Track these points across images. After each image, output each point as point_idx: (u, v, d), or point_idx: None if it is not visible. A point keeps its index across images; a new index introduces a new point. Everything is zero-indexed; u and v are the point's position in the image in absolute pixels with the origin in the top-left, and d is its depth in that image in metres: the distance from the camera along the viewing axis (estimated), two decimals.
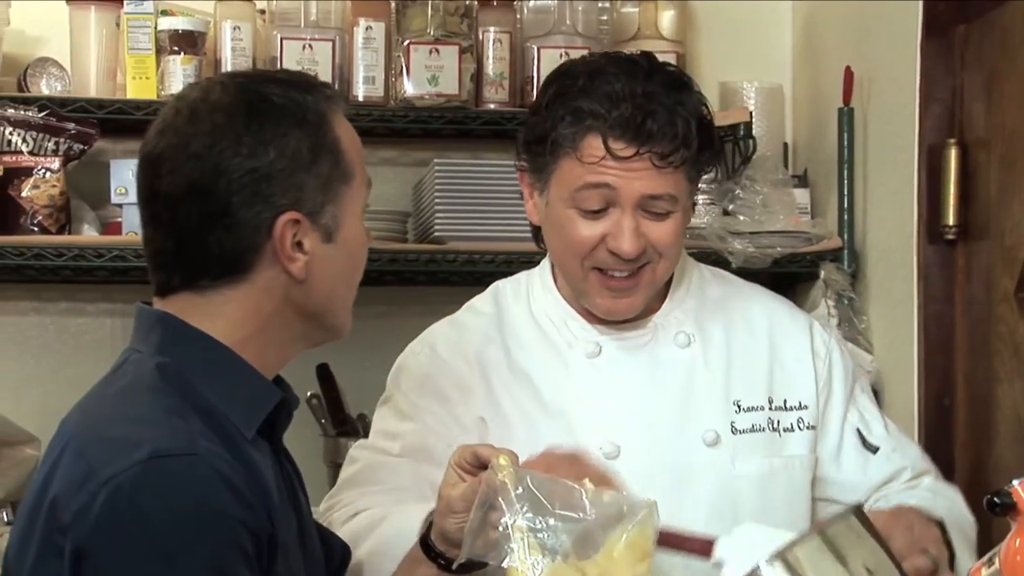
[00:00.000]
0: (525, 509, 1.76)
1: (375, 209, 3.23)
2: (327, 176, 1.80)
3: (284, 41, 3.40)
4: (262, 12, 3.48)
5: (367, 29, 3.43)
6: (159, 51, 3.36)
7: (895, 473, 2.33)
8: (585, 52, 3.38)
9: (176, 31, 3.35)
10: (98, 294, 3.58)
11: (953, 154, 3.09)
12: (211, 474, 1.68)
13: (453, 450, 2.10)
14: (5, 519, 3.41)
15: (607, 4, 3.58)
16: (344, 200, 1.82)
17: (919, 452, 2.41)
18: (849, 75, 3.40)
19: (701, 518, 2.10)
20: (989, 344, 3.02)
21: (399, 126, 3.43)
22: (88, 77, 3.38)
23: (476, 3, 3.48)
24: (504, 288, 2.37)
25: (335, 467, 3.43)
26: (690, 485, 2.20)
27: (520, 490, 1.77)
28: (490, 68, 3.49)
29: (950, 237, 3.10)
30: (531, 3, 3.55)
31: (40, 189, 3.26)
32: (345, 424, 3.42)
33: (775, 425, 2.28)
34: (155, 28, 3.35)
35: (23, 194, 3.25)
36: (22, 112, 3.27)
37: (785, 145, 3.70)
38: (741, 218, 3.43)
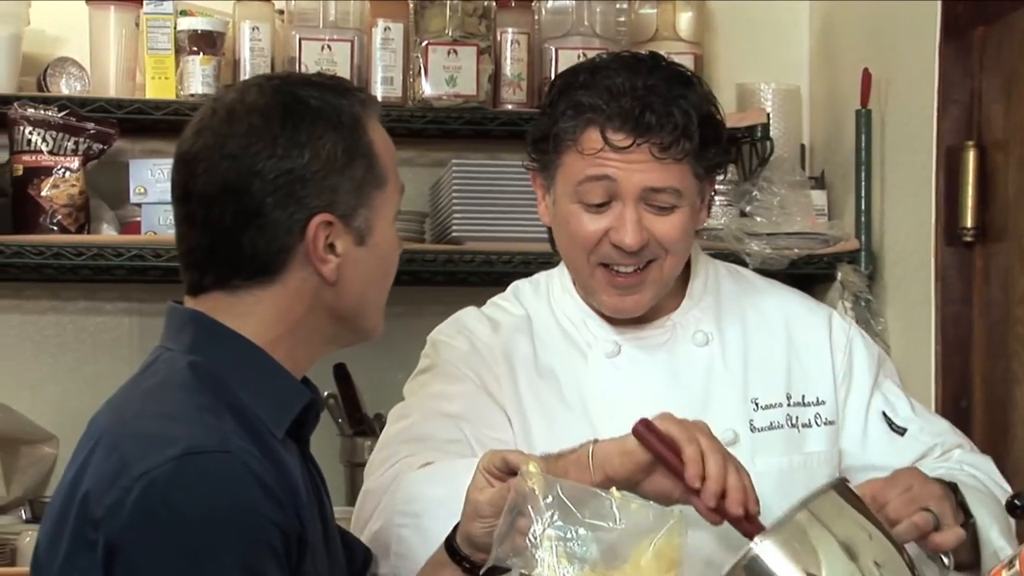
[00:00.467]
0: (554, 517, 1.75)
1: None
2: (361, 180, 1.81)
3: (303, 41, 3.40)
4: (281, 12, 3.48)
5: (385, 30, 3.42)
6: (178, 51, 3.36)
7: (925, 452, 2.31)
8: (603, 53, 3.41)
9: (195, 31, 3.35)
10: (116, 293, 3.59)
11: (971, 156, 3.08)
12: (244, 472, 1.68)
13: (502, 416, 2.18)
14: (23, 517, 3.42)
15: (625, 5, 3.58)
16: (377, 204, 1.83)
17: (948, 427, 2.39)
18: (867, 77, 3.39)
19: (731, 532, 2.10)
20: (1007, 346, 3.01)
21: (417, 127, 3.43)
22: (107, 77, 3.38)
23: (494, 4, 3.48)
24: (524, 288, 2.37)
25: (352, 467, 3.42)
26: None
27: (549, 498, 1.76)
28: (508, 69, 3.49)
29: (968, 239, 3.10)
30: (549, 4, 3.55)
31: (60, 188, 3.26)
32: (362, 424, 3.41)
33: (794, 421, 2.27)
34: (174, 28, 3.36)
35: (43, 193, 3.26)
36: (42, 112, 3.27)
37: (802, 147, 3.69)
38: (758, 219, 3.42)
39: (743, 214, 3.44)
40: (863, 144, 3.42)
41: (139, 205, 3.34)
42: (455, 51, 3.41)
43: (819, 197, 3.56)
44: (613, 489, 1.81)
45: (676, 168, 2.14)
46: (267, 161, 1.76)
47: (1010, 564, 1.78)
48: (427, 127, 3.44)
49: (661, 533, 1.77)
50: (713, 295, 2.32)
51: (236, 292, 1.79)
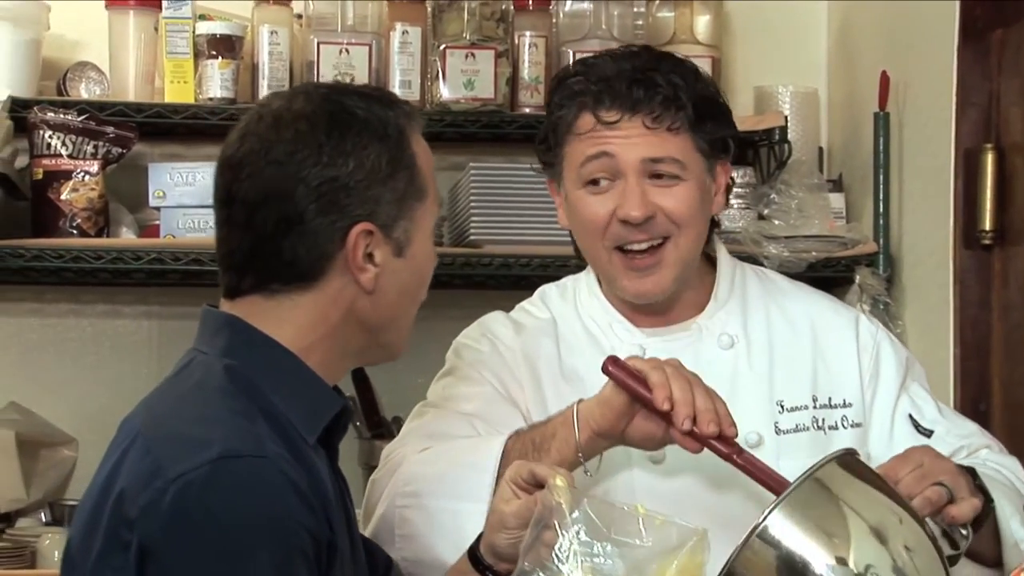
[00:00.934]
0: (580, 532, 1.76)
1: None
2: (403, 191, 1.82)
3: (321, 45, 3.40)
4: (299, 16, 3.48)
5: (403, 33, 3.43)
6: (197, 55, 3.37)
7: (952, 453, 2.28)
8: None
9: (214, 35, 3.36)
10: (135, 296, 3.60)
11: (990, 159, 3.07)
12: (279, 477, 1.69)
13: (520, 419, 2.19)
14: (43, 519, 3.42)
15: (642, 8, 3.58)
16: (416, 216, 1.84)
17: (976, 429, 2.37)
18: (885, 79, 3.38)
19: (748, 520, 2.09)
20: None
21: (435, 130, 3.43)
22: (127, 81, 3.39)
23: (512, 7, 3.48)
24: (550, 292, 2.38)
25: (369, 469, 3.40)
26: (734, 487, 2.19)
27: (576, 513, 1.76)
28: (526, 72, 3.49)
29: (986, 242, 3.09)
30: (567, 7, 3.55)
31: (79, 192, 3.27)
32: (380, 427, 3.42)
33: (820, 424, 2.26)
34: (193, 32, 3.36)
35: (62, 197, 3.27)
36: (61, 116, 3.28)
37: (820, 149, 3.69)
38: (776, 222, 3.42)
39: (761, 217, 3.44)
40: (881, 147, 3.41)
41: (158, 209, 3.35)
42: (473, 54, 3.41)
43: (837, 200, 3.55)
44: (638, 505, 1.81)
45: (673, 139, 2.16)
46: (312, 168, 1.77)
47: None
48: (445, 131, 3.44)
49: (684, 551, 1.77)
50: (739, 297, 2.32)
51: (274, 296, 1.80)
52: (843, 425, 2.27)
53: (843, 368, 2.30)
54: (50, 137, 3.27)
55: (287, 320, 1.80)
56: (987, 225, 3.08)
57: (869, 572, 1.79)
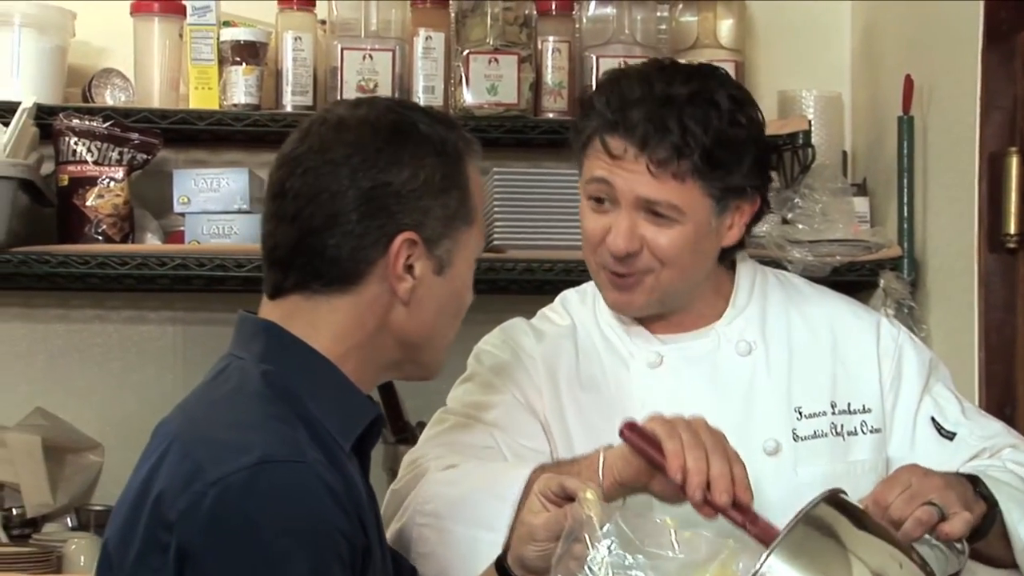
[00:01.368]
0: (612, 545, 1.76)
1: None
2: (452, 210, 1.85)
3: (344, 51, 3.41)
4: (323, 22, 3.49)
5: (427, 39, 3.43)
6: (221, 61, 3.38)
7: (975, 455, 2.28)
8: (644, 61, 3.42)
9: (238, 42, 3.38)
10: (160, 302, 3.60)
11: (1014, 162, 3.07)
12: (317, 483, 1.70)
13: (538, 427, 2.21)
14: (69, 524, 3.44)
15: (666, 13, 3.58)
16: (461, 239, 1.87)
17: (1002, 428, 2.35)
18: (909, 83, 3.38)
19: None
20: None
21: None
22: (151, 87, 3.40)
23: (535, 13, 3.48)
24: (571, 298, 2.38)
25: (394, 475, 3.41)
26: (754, 494, 2.19)
27: (607, 526, 1.77)
28: (549, 77, 3.49)
29: (1011, 245, 3.08)
30: (590, 12, 3.55)
31: (104, 198, 3.29)
32: (405, 431, 3.42)
33: (838, 430, 2.26)
34: (217, 39, 3.38)
35: (88, 203, 3.28)
36: (87, 122, 3.29)
37: (844, 153, 3.68)
38: (800, 227, 3.42)
39: (785, 221, 3.44)
40: (905, 151, 3.40)
41: (183, 215, 3.35)
42: (496, 60, 3.42)
43: (861, 204, 3.55)
44: (667, 518, 1.82)
45: (675, 185, 2.14)
46: (367, 171, 1.81)
47: None
48: None
49: (716, 563, 1.78)
50: (759, 303, 2.32)
51: (313, 298, 1.82)
52: (862, 431, 2.27)
53: (863, 373, 2.29)
54: (75, 144, 3.29)
55: (324, 325, 1.82)
56: (1012, 228, 3.07)
57: None
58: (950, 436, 2.30)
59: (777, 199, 3.46)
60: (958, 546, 2.03)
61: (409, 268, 1.82)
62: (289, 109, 3.40)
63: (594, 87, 2.27)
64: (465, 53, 3.42)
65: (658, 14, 3.56)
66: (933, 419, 2.31)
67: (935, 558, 2.01)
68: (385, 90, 3.38)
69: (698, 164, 2.13)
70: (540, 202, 3.37)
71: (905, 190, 3.42)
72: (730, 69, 3.45)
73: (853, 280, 3.44)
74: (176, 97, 3.42)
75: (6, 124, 3.20)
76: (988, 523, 2.09)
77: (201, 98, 3.38)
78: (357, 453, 1.85)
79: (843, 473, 2.23)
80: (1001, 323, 3.12)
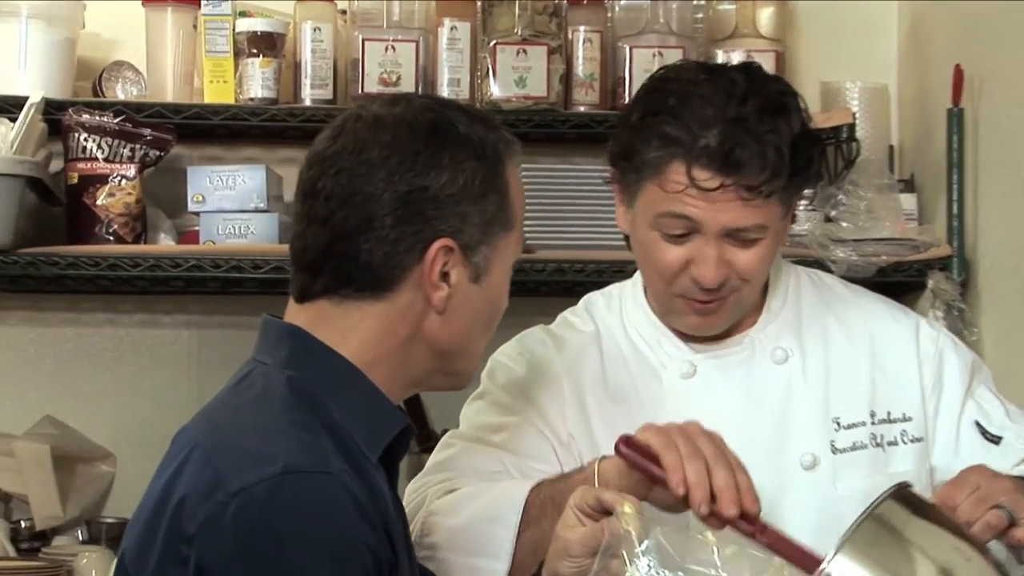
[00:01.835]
0: (651, 562, 1.75)
1: None
2: (491, 216, 1.84)
3: (366, 42, 3.41)
4: (343, 12, 3.49)
5: (452, 29, 3.43)
6: (237, 53, 3.38)
7: (1022, 459, 2.28)
8: (679, 52, 3.43)
9: (255, 33, 3.37)
10: (174, 305, 3.61)
11: None
12: (344, 494, 1.69)
13: (550, 450, 2.20)
14: (80, 537, 3.44)
15: (703, 1, 3.57)
16: (500, 246, 1.86)
17: None
18: (959, 74, 3.36)
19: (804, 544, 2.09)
20: None
21: None
22: (164, 81, 3.41)
23: (565, 1, 3.48)
24: (597, 301, 2.37)
25: None
26: (790, 510, 2.19)
27: (646, 542, 1.76)
28: (580, 69, 3.48)
29: None
30: (623, 1, 3.54)
31: (115, 197, 3.29)
32: (429, 440, 3.41)
33: (878, 440, 2.26)
34: (233, 30, 3.38)
35: (98, 202, 3.28)
36: (97, 117, 3.29)
37: (891, 148, 3.67)
38: (844, 225, 3.40)
39: (828, 219, 3.42)
40: (955, 145, 3.39)
41: (197, 214, 3.35)
42: (524, 51, 3.41)
43: (908, 201, 3.53)
44: (708, 533, 1.81)
45: (762, 205, 2.13)
46: (404, 174, 1.79)
47: None
48: None
49: None
50: (793, 307, 2.31)
51: (343, 304, 1.81)
52: (903, 440, 2.26)
53: (903, 380, 2.29)
54: (85, 140, 3.29)
55: (353, 331, 1.81)
56: None
57: None
58: (996, 440, 2.30)
59: (820, 196, 3.44)
60: None
61: (444, 276, 1.81)
62: (308, 103, 3.40)
63: (645, 106, 2.18)
64: (492, 44, 3.41)
65: (695, 2, 3.56)
66: (977, 423, 2.30)
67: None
68: (408, 83, 3.38)
69: (786, 181, 2.13)
70: (571, 199, 3.37)
71: (955, 186, 3.40)
72: (770, 60, 3.46)
73: (900, 281, 3.43)
74: (190, 91, 3.42)
75: (13, 120, 3.20)
76: None
77: (216, 92, 3.38)
78: (385, 464, 1.84)
79: (884, 485, 2.20)
80: None
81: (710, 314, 2.22)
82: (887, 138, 3.66)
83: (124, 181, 3.29)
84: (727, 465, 1.91)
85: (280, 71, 3.39)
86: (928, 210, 3.55)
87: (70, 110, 3.30)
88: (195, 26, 3.41)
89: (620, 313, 2.33)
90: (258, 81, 3.37)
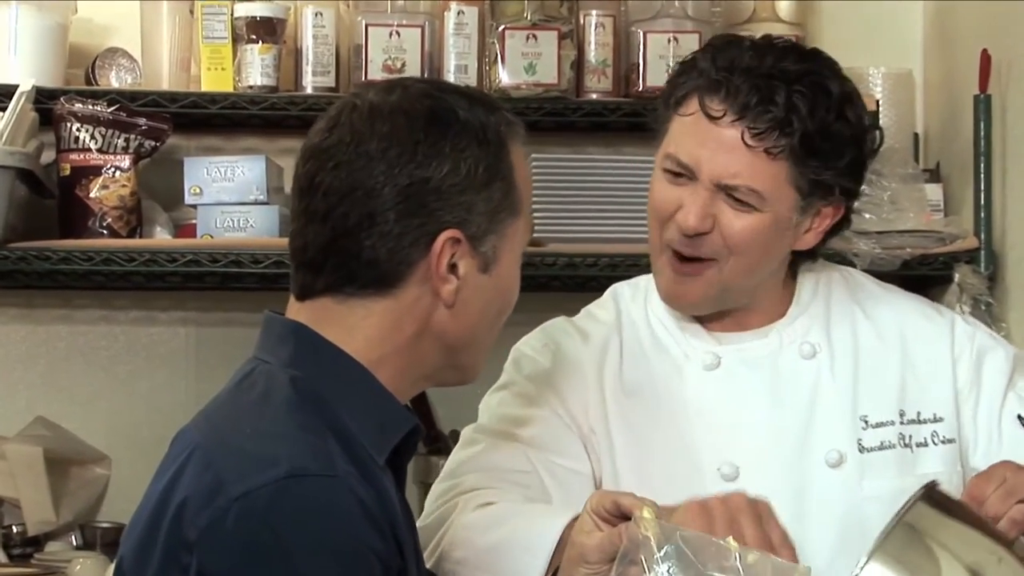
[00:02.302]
0: (671, 569, 1.75)
1: None
2: (497, 203, 1.83)
3: (369, 28, 3.41)
4: None
5: (459, 14, 3.43)
6: (235, 40, 3.38)
7: None
8: (695, 37, 3.42)
9: (254, 18, 3.37)
10: (171, 302, 3.61)
11: None
12: (349, 498, 1.69)
13: (578, 445, 2.20)
14: (75, 543, 3.44)
15: None
16: (508, 233, 1.85)
17: None
18: (986, 59, 3.36)
19: (828, 544, 2.12)
20: None
21: None
22: (160, 69, 3.41)
23: None
24: (623, 292, 2.37)
25: (426, 487, 3.41)
26: (814, 509, 2.19)
27: (665, 548, 1.75)
28: (592, 55, 3.48)
29: None
30: None
31: (109, 189, 3.29)
32: (437, 441, 3.42)
33: (907, 441, 2.25)
34: (231, 15, 3.38)
35: (91, 195, 3.28)
36: (90, 107, 3.29)
37: (915, 136, 3.67)
38: (867, 216, 3.39)
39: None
40: (982, 133, 3.38)
41: (194, 206, 3.36)
42: (534, 36, 3.40)
43: (934, 191, 3.53)
44: (730, 539, 1.79)
45: (766, 164, 2.14)
46: (404, 166, 1.78)
47: None
48: None
49: None
50: (823, 302, 2.31)
51: (346, 301, 1.81)
52: (933, 441, 2.26)
53: (935, 380, 2.29)
54: (78, 130, 3.28)
55: (358, 329, 1.81)
56: None
57: None
58: None
59: None
60: None
61: (452, 268, 1.80)
62: (309, 91, 3.40)
63: (695, 51, 2.26)
64: (501, 29, 3.40)
65: None
66: (1020, 416, 2.29)
67: None
68: (413, 70, 3.38)
69: (795, 145, 2.14)
70: (583, 191, 3.36)
71: (982, 176, 3.40)
72: None
73: (925, 274, 3.43)
74: (187, 79, 3.43)
75: (3, 109, 3.22)
76: None
77: (214, 80, 3.38)
78: (392, 467, 1.83)
79: (913, 487, 2.20)
80: None
81: (686, 277, 2.21)
82: (912, 126, 3.66)
83: (118, 173, 3.29)
84: (762, 543, 1.85)
85: (280, 58, 3.39)
86: (954, 201, 3.55)
87: (62, 99, 3.30)
88: (192, 11, 3.41)
89: (645, 303, 2.33)
90: (257, 68, 3.36)
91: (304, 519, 1.66)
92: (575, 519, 1.99)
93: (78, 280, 3.44)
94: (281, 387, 1.79)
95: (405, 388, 1.85)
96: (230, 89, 3.37)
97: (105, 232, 3.28)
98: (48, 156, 3.35)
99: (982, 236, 3.41)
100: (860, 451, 2.23)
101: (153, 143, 3.34)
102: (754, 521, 1.87)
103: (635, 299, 2.34)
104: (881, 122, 3.47)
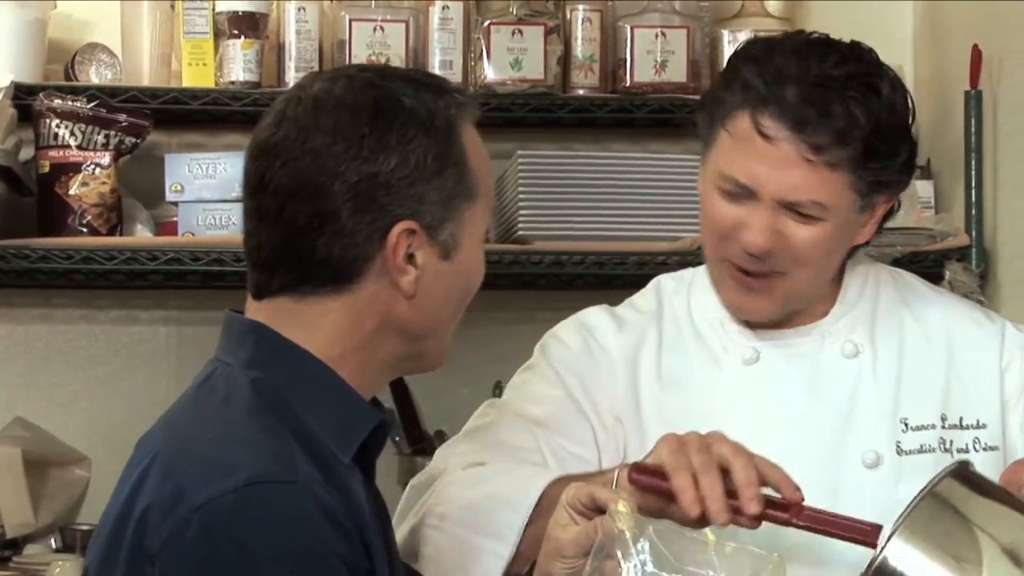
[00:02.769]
0: (646, 563, 1.75)
1: None
2: (449, 191, 1.81)
3: (353, 23, 3.41)
4: None
5: (444, 9, 3.44)
6: (217, 35, 3.38)
7: None
8: (683, 32, 3.44)
9: (236, 13, 3.37)
10: (152, 300, 3.61)
11: None
12: (312, 504, 1.68)
13: (589, 433, 2.21)
14: (54, 545, 3.44)
15: None
16: (465, 219, 1.83)
17: None
18: (977, 54, 3.36)
19: (850, 557, 2.07)
20: None
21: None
22: (140, 64, 3.40)
23: None
24: (666, 284, 2.38)
25: None
26: (847, 509, 2.15)
27: (640, 542, 1.75)
28: (579, 50, 3.49)
29: None
30: None
31: (89, 186, 3.29)
32: (422, 441, 3.41)
33: (947, 445, 2.25)
34: (213, 10, 3.38)
35: (71, 192, 3.28)
36: (70, 103, 3.29)
37: None
38: None
39: None
40: (973, 129, 3.39)
41: (176, 204, 3.36)
42: (520, 31, 3.41)
43: (924, 188, 3.53)
44: (707, 531, 1.81)
45: (827, 176, 2.13)
46: (350, 162, 1.77)
47: None
48: (490, 115, 3.42)
49: None
50: (870, 301, 2.31)
51: (304, 300, 1.80)
52: (975, 448, 2.25)
53: (981, 386, 2.28)
54: (57, 126, 3.28)
55: (317, 326, 1.80)
56: None
57: None
58: None
59: None
60: None
61: (411, 258, 1.80)
62: (292, 87, 3.37)
63: (733, 57, 2.23)
64: (486, 24, 3.41)
65: None
66: None
67: None
68: (398, 65, 3.36)
69: (856, 154, 2.12)
70: (569, 188, 3.37)
71: (973, 172, 3.40)
72: None
73: (915, 272, 3.40)
74: (168, 74, 3.42)
75: None
76: None
77: (195, 75, 3.38)
78: (361, 464, 1.83)
79: None
80: None
81: (753, 292, 2.21)
82: None
83: (98, 169, 3.29)
84: (747, 462, 1.91)
85: (263, 53, 3.39)
86: (945, 198, 3.55)
87: (41, 95, 3.29)
88: (173, 6, 3.41)
89: (688, 296, 2.33)
90: (239, 64, 3.36)
91: (266, 527, 1.66)
92: (560, 480, 2.01)
93: (58, 279, 3.43)
94: (242, 390, 1.78)
95: (370, 382, 1.84)
96: (212, 85, 3.37)
97: (85, 230, 3.28)
98: (27, 153, 3.34)
99: (973, 233, 3.41)
100: (898, 453, 2.23)
101: (133, 140, 3.33)
102: (731, 447, 1.91)
103: (678, 291, 2.34)
104: None
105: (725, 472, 1.90)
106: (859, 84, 2.14)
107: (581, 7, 3.49)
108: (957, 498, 1.82)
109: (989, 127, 3.39)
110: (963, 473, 1.86)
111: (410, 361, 1.88)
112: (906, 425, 2.24)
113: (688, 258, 3.27)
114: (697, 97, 3.41)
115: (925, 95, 3.69)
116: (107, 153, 3.30)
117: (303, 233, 1.78)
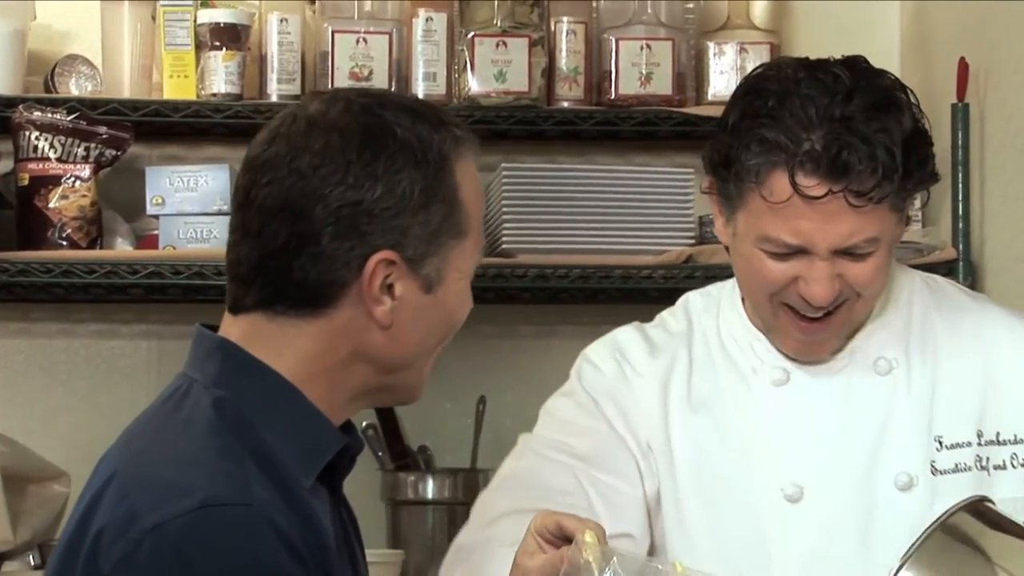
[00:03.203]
0: None
1: None
2: (436, 226, 1.80)
3: (336, 35, 3.41)
4: (311, 2, 3.49)
5: (427, 20, 3.44)
6: (199, 47, 3.37)
7: None
8: (668, 44, 3.44)
9: (217, 24, 3.37)
10: (132, 315, 3.60)
11: None
12: (266, 527, 1.68)
13: (632, 465, 2.22)
14: (32, 563, 3.43)
15: None
16: (451, 255, 1.82)
17: None
18: (964, 67, 3.37)
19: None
20: None
21: None
22: (121, 76, 3.40)
23: None
24: (695, 301, 2.36)
25: (394, 504, 3.42)
26: (880, 534, 2.18)
27: (607, 572, 1.75)
28: (563, 62, 3.49)
29: None
30: None
31: (69, 199, 3.28)
32: (405, 457, 3.41)
33: (984, 463, 2.24)
34: (194, 22, 3.37)
35: (50, 205, 3.28)
36: (49, 115, 3.29)
37: None
38: None
39: None
40: (960, 142, 3.39)
41: (157, 217, 3.35)
42: (504, 43, 3.41)
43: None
44: (676, 563, 1.81)
45: (873, 212, 2.11)
46: (335, 188, 1.76)
47: None
48: (474, 127, 3.36)
49: None
50: (904, 315, 2.29)
51: (277, 319, 1.80)
52: (1013, 464, 2.24)
53: (1019, 399, 2.26)
54: (37, 139, 3.28)
55: (289, 347, 1.80)
56: None
57: None
58: None
59: None
60: None
61: (389, 288, 1.79)
62: (275, 99, 3.39)
63: (743, 110, 2.15)
64: (470, 36, 3.41)
65: None
66: None
67: None
68: (381, 77, 3.39)
69: (898, 184, 2.10)
70: (554, 201, 3.37)
71: (960, 186, 3.40)
72: (765, 53, 3.47)
73: None
74: (149, 86, 3.42)
75: None
76: None
77: (176, 87, 3.38)
78: (328, 484, 1.83)
79: None
80: None
81: (816, 335, 2.19)
82: None
83: (78, 182, 3.29)
84: None
85: (244, 65, 3.39)
86: (932, 211, 3.53)
87: (20, 107, 3.28)
88: (154, 17, 3.40)
89: (716, 315, 2.32)
90: (221, 76, 3.36)
91: (217, 550, 1.66)
92: None
93: (37, 292, 3.43)
94: (204, 410, 1.77)
95: (338, 407, 1.83)
96: (193, 97, 3.36)
97: (65, 243, 3.27)
98: (6, 165, 3.34)
99: (960, 247, 3.40)
100: (932, 473, 2.22)
101: (114, 152, 3.33)
102: None
103: (707, 309, 2.33)
104: None
105: None
106: (882, 109, 2.12)
107: (566, 19, 3.49)
108: (970, 532, 1.82)
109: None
110: (977, 508, 1.85)
111: (384, 392, 1.87)
112: (940, 444, 2.22)
113: (673, 271, 3.30)
114: (683, 110, 3.45)
115: None
116: (87, 166, 3.30)
117: (281, 253, 1.78)
